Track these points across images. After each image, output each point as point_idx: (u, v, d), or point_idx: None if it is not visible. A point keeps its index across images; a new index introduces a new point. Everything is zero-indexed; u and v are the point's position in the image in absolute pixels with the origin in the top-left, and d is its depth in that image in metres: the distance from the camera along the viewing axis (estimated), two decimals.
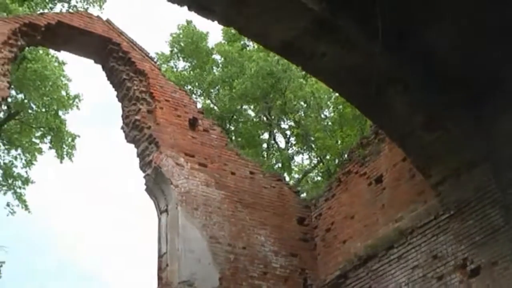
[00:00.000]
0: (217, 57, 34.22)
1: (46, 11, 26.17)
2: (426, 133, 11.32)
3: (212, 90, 33.26)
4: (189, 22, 34.32)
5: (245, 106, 32.44)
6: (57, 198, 60.76)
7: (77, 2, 30.85)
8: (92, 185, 64.01)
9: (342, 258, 16.20)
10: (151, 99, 17.25)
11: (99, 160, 58.57)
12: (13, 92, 26.36)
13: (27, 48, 18.59)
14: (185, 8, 8.18)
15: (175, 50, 34.84)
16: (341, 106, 27.06)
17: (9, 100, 24.81)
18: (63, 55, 28.29)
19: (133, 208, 59.05)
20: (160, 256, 16.00)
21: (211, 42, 34.55)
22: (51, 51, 27.43)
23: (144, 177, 16.73)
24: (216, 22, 8.29)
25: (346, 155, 19.16)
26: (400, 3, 8.00)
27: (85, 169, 62.32)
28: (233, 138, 30.42)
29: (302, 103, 31.30)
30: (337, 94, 23.46)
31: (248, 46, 33.82)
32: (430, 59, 9.37)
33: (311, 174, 32.06)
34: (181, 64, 35.26)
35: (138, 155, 17.13)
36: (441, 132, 11.51)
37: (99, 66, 18.32)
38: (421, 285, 13.60)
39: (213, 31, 50.77)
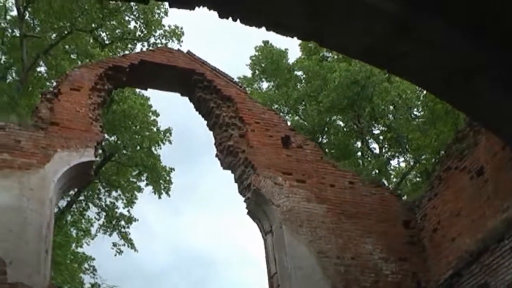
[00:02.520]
0: (298, 72, 34.30)
1: (127, 52, 26.72)
2: None
3: (299, 106, 33.32)
4: (266, 43, 34.54)
5: (334, 117, 32.35)
6: (160, 234, 61.83)
7: (155, 39, 31.55)
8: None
9: (453, 256, 15.90)
10: (242, 123, 17.39)
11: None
12: (105, 135, 26.97)
13: (114, 90, 19.01)
14: (262, 29, 8.20)
15: (257, 72, 35.09)
16: (431, 103, 26.64)
17: (103, 143, 25.40)
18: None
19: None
20: (270, 277, 16.07)
21: (291, 58, 34.73)
22: (137, 90, 28.02)
23: (245, 201, 16.84)
24: (295, 38, 8.24)
25: (443, 152, 18.84)
26: None
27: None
28: (327, 150, 30.33)
29: (390, 106, 31.05)
30: (425, 92, 23.17)
31: (327, 57, 33.79)
32: None
33: (409, 176, 31.68)
34: (265, 85, 35.51)
35: (236, 180, 17.26)
36: None
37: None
38: None
39: (291, 47, 51.12)
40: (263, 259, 16.61)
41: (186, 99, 18.67)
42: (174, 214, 67.39)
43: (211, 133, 18.35)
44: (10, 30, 31.02)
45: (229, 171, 17.57)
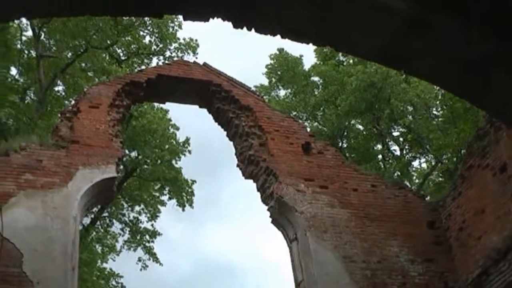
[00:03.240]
0: (315, 78, 34.27)
1: (143, 67, 26.82)
2: None
3: (317, 112, 33.28)
4: (280, 50, 34.55)
5: (353, 121, 32.28)
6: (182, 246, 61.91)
7: (171, 53, 31.68)
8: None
9: (480, 255, 15.78)
10: (261, 132, 17.39)
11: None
12: (126, 151, 27.06)
13: (132, 106, 19.05)
14: (277, 37, 8.18)
15: (273, 80, 35.08)
16: (450, 102, 26.52)
17: (124, 159, 25.46)
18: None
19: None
20: (297, 285, 16.02)
21: (306, 64, 34.71)
22: (155, 104, 28.12)
23: (268, 209, 16.82)
24: (310, 44, 8.23)
25: (464, 151, 18.74)
26: None
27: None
28: (347, 155, 30.26)
29: (409, 107, 30.94)
30: (443, 91, 23.08)
31: (343, 62, 33.76)
32: None
33: (431, 176, 31.52)
34: (282, 93, 35.49)
35: (259, 189, 17.24)
36: None
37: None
38: None
39: (305, 53, 51.05)
40: (287, 267, 16.59)
41: (205, 111, 18.71)
42: (195, 226, 67.44)
43: (230, 144, 18.39)
44: (26, 51, 31.23)
45: (250, 181, 17.57)
